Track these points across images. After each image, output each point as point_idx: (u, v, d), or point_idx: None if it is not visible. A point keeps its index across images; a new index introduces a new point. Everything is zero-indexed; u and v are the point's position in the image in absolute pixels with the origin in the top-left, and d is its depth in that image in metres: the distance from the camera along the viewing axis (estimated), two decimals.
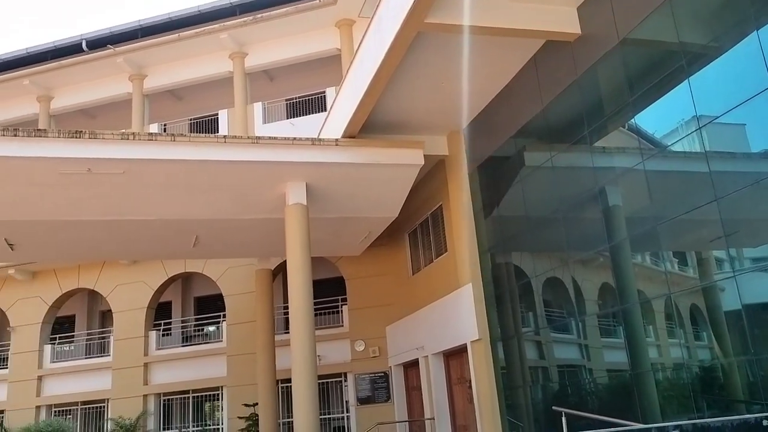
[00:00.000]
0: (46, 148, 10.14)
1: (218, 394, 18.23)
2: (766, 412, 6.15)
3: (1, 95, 20.64)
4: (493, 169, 11.69)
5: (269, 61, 18.86)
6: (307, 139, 11.53)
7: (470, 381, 12.14)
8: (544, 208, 10.17)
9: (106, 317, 21.17)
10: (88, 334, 20.83)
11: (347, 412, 17.28)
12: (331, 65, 18.39)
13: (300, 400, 10.95)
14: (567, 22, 9.08)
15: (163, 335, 19.45)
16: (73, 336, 20.89)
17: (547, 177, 9.96)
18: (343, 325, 17.63)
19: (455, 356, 13.34)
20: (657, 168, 7.81)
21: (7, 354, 19.93)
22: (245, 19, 17.99)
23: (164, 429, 18.40)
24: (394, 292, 16.65)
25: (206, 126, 20.17)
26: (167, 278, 19.04)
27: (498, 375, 11.39)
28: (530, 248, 10.86)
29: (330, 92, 18.40)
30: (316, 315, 11.91)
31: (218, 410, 18.37)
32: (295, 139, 11.38)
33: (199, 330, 20.35)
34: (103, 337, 20.11)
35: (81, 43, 19.23)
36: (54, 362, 19.48)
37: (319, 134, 14.03)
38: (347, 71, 12.06)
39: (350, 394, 17.15)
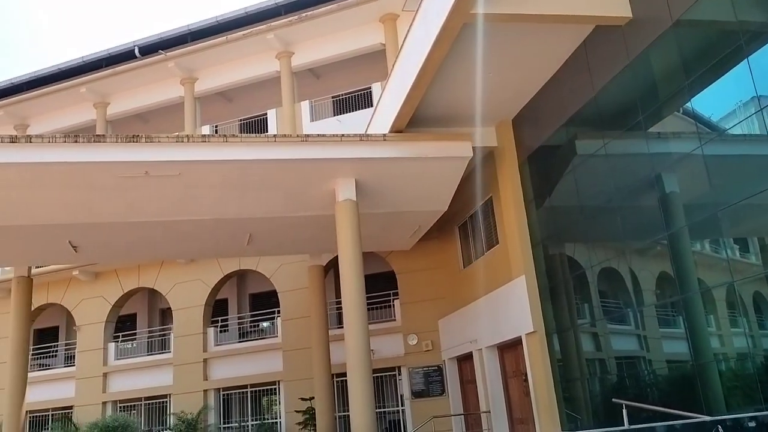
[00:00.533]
0: (105, 153, 10.50)
1: (275, 389, 18.57)
2: None
3: (61, 103, 21.46)
4: (544, 159, 11.51)
5: (315, 59, 19.01)
6: (355, 135, 11.60)
7: (526, 374, 12.03)
8: (598, 198, 9.97)
9: (165, 315, 21.83)
10: (149, 332, 21.52)
11: (402, 405, 17.35)
12: (376, 61, 18.41)
13: (356, 393, 11.06)
14: (617, 6, 8.85)
15: (220, 332, 19.94)
16: (135, 334, 21.62)
17: (600, 165, 9.75)
18: (395, 319, 17.71)
19: (510, 349, 13.23)
20: (715, 152, 7.56)
21: (74, 352, 20.78)
22: (290, 18, 18.17)
23: (224, 423, 18.87)
24: (446, 286, 16.61)
25: (255, 126, 20.53)
26: (223, 276, 19.50)
27: (554, 367, 11.24)
28: (584, 238, 10.66)
29: (376, 88, 18.46)
30: (368, 309, 11.99)
31: (275, 404, 18.71)
32: (343, 135, 11.47)
33: (254, 326, 20.75)
34: (164, 335, 20.72)
35: (134, 50, 19.81)
36: (118, 359, 20.22)
37: (366, 130, 14.09)
38: (393, 66, 12.06)
39: (404, 388, 17.21)
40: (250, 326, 20.81)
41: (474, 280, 14.57)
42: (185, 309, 19.45)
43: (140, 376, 19.63)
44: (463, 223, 15.58)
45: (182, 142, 10.87)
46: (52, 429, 19.36)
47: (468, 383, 15.67)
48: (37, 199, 11.36)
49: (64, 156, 10.36)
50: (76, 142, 10.43)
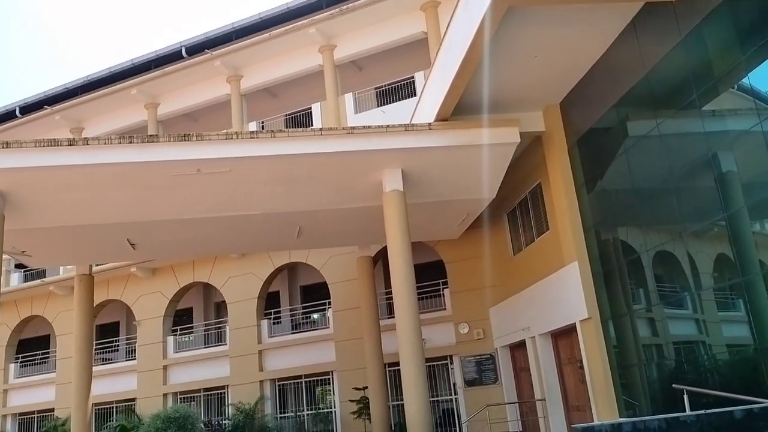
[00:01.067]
0: (159, 152, 10.79)
1: (329, 379, 18.82)
2: None
3: (113, 105, 22.17)
4: (594, 141, 11.28)
5: (357, 51, 19.08)
6: (400, 125, 11.59)
7: (581, 361, 11.88)
8: (651, 179, 9.72)
9: (220, 308, 22.34)
10: (206, 325, 22.07)
11: (455, 394, 17.36)
12: (419, 49, 18.35)
13: (409, 383, 11.12)
14: None
15: (273, 324, 20.30)
16: (192, 327, 22.20)
17: (653, 146, 9.50)
18: (445, 309, 17.69)
19: (564, 336, 13.07)
20: None
21: (135, 346, 21.49)
22: (332, 11, 18.28)
23: (280, 413, 19.24)
24: (496, 274, 16.50)
25: (300, 120, 20.73)
26: (274, 269, 19.81)
27: (610, 354, 11.06)
28: (638, 222, 10.42)
29: (419, 77, 18.38)
30: (418, 299, 12.01)
31: (329, 394, 18.97)
32: (388, 126, 11.48)
33: (306, 317, 21.05)
34: (219, 327, 21.23)
35: (181, 50, 20.28)
36: (177, 352, 20.81)
37: (411, 120, 14.07)
38: (436, 54, 11.98)
39: (457, 377, 17.20)
40: (302, 318, 21.13)
41: (525, 267, 14.44)
42: (239, 302, 19.87)
43: (198, 368, 20.17)
44: (511, 210, 15.43)
45: (231, 139, 11.06)
46: (116, 420, 20.07)
47: (521, 371, 15.56)
48: (95, 199, 11.76)
49: (120, 156, 10.68)
50: (130, 142, 10.73)
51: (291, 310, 21.43)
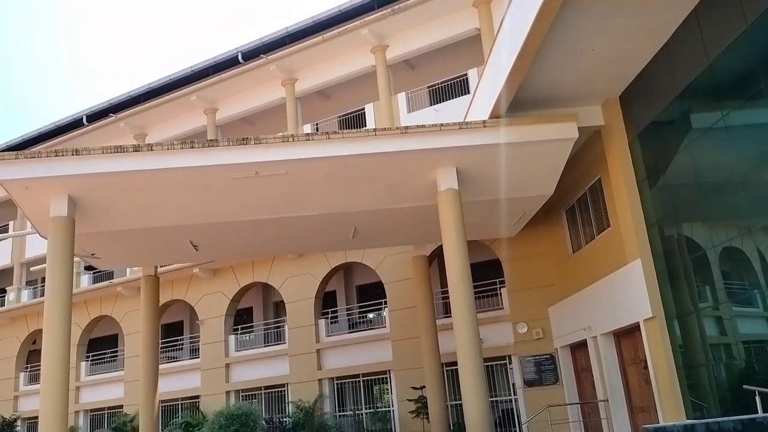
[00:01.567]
0: (219, 156, 11.08)
1: (386, 378, 18.89)
2: None
3: (174, 112, 22.88)
4: (656, 135, 10.95)
5: (410, 50, 19.08)
6: (454, 123, 11.53)
7: (645, 361, 11.54)
8: (718, 173, 9.37)
9: (279, 308, 22.73)
10: (265, 324, 22.50)
11: (514, 394, 17.15)
12: (471, 46, 18.21)
13: (468, 383, 11.06)
14: None
15: (331, 323, 20.52)
16: (252, 326, 22.67)
17: (719, 138, 9.15)
18: (503, 308, 17.49)
19: (627, 335, 12.73)
20: None
21: (198, 345, 22.10)
22: (383, 12, 18.34)
23: (339, 411, 19.43)
24: (554, 272, 16.21)
25: (354, 121, 20.89)
26: (330, 269, 20.02)
27: (676, 354, 10.70)
28: (704, 218, 10.06)
29: (472, 74, 18.25)
30: (475, 298, 11.91)
31: (387, 393, 19.04)
32: (442, 125, 11.43)
33: (362, 317, 21.19)
34: (278, 327, 21.60)
35: (237, 56, 20.75)
36: (238, 351, 21.29)
37: (465, 117, 13.99)
38: (490, 50, 11.88)
39: (516, 377, 16.98)
40: (359, 317, 21.27)
41: (585, 265, 14.13)
42: (297, 302, 20.16)
43: (259, 367, 20.57)
44: (570, 206, 15.13)
45: (288, 141, 11.24)
46: (182, 417, 20.67)
47: (583, 371, 15.24)
48: (159, 203, 12.17)
49: (183, 161, 11.03)
50: (192, 147, 11.07)
51: (347, 309, 21.61)
